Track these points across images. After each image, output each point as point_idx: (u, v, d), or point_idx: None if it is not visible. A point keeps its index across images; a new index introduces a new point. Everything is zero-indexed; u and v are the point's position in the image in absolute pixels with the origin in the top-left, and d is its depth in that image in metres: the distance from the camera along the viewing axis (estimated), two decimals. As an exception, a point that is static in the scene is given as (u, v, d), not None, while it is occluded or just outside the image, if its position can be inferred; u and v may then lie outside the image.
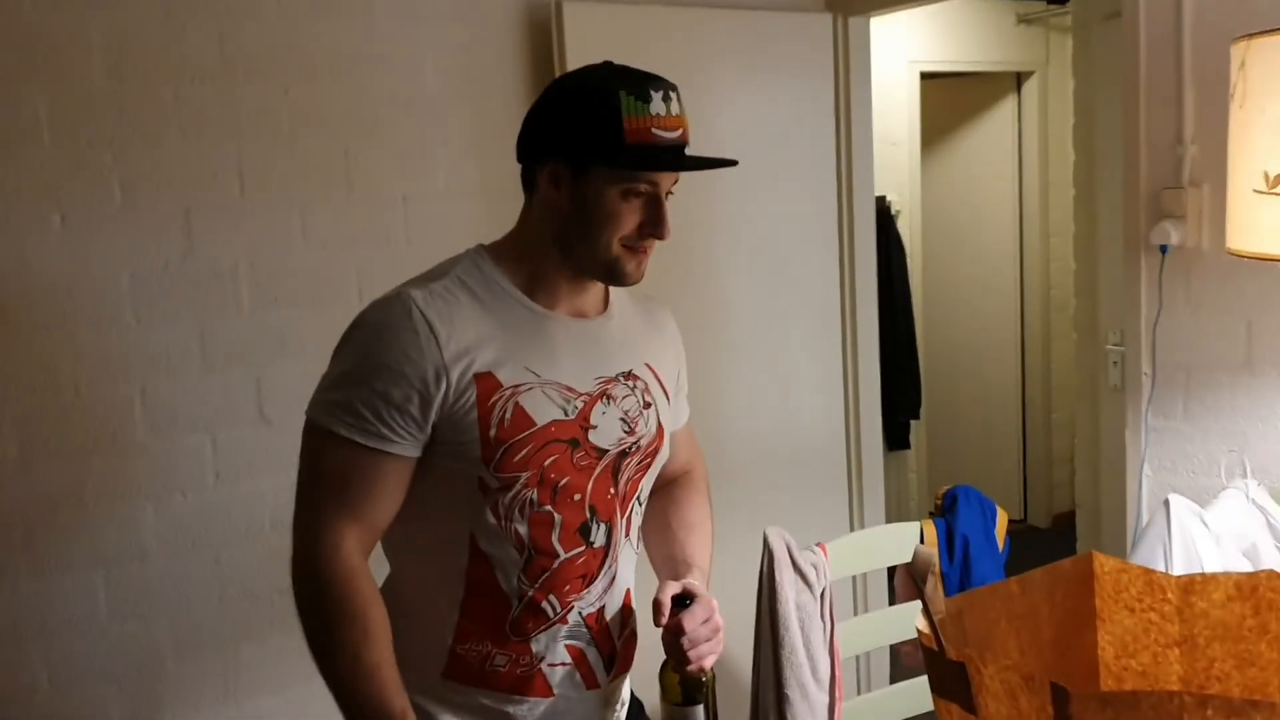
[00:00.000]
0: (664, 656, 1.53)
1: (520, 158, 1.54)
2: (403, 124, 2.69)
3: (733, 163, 1.50)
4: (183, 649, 2.52)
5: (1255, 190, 1.64)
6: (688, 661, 1.49)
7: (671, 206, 1.51)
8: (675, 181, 1.51)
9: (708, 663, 1.51)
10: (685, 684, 1.52)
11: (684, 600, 1.52)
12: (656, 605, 1.51)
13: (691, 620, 1.49)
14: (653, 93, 1.44)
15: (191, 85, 2.44)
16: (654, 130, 1.43)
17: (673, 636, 1.49)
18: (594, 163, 1.44)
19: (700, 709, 1.52)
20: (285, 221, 2.57)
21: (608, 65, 1.50)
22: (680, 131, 1.47)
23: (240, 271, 2.53)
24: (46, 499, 2.37)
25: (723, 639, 1.54)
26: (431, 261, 1.59)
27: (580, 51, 2.75)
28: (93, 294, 2.39)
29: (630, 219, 1.47)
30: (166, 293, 2.45)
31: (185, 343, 2.48)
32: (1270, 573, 1.42)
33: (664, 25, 2.93)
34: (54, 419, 2.36)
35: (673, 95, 1.47)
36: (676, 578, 1.58)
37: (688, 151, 1.48)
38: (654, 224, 1.48)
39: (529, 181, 1.52)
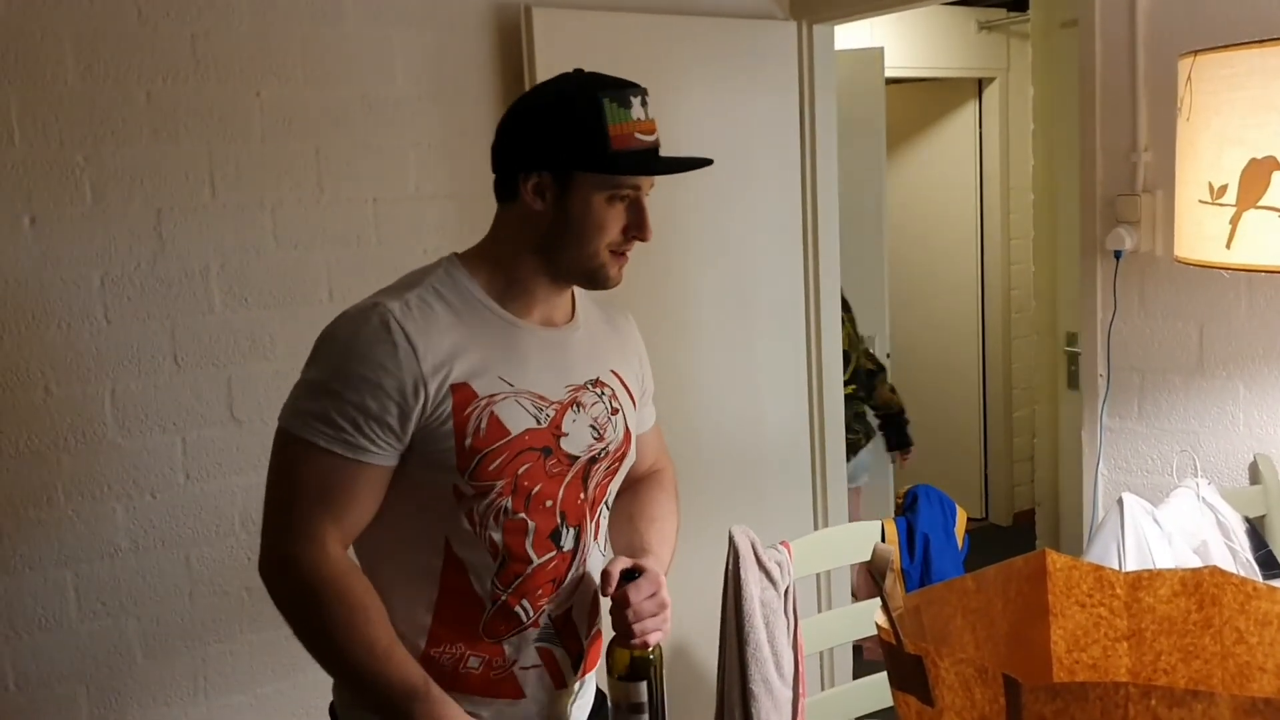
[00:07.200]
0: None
1: (497, 168, 1.54)
2: (373, 126, 2.71)
3: (709, 162, 1.55)
4: (152, 647, 2.53)
5: (1200, 200, 1.68)
6: (632, 634, 1.50)
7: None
8: (652, 184, 1.54)
9: (652, 638, 1.52)
10: (634, 661, 1.52)
11: (633, 574, 1.53)
12: (605, 575, 1.53)
13: (637, 593, 1.51)
14: (632, 98, 1.47)
15: (164, 86, 2.45)
16: (636, 135, 1.47)
17: (618, 608, 1.51)
18: (583, 170, 1.46)
19: (644, 685, 1.52)
20: (256, 222, 2.58)
21: (580, 73, 1.52)
22: (655, 135, 1.50)
23: (211, 272, 2.53)
24: (15, 497, 2.37)
25: (669, 617, 1.55)
26: (401, 262, 1.60)
27: (549, 56, 2.78)
28: (64, 294, 2.39)
29: (615, 224, 1.50)
30: (138, 293, 2.46)
31: (156, 342, 2.49)
32: (1213, 569, 1.46)
33: (632, 31, 2.96)
34: (24, 418, 2.36)
35: (647, 100, 1.50)
36: None
37: (660, 153, 1.52)
38: (638, 226, 1.51)
39: (508, 191, 1.53)
